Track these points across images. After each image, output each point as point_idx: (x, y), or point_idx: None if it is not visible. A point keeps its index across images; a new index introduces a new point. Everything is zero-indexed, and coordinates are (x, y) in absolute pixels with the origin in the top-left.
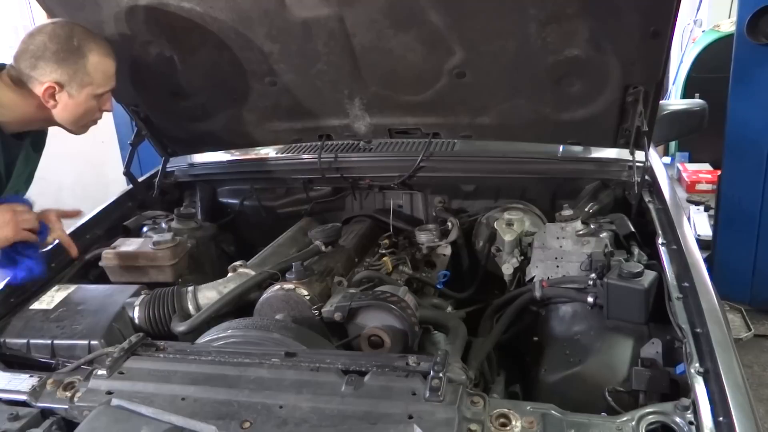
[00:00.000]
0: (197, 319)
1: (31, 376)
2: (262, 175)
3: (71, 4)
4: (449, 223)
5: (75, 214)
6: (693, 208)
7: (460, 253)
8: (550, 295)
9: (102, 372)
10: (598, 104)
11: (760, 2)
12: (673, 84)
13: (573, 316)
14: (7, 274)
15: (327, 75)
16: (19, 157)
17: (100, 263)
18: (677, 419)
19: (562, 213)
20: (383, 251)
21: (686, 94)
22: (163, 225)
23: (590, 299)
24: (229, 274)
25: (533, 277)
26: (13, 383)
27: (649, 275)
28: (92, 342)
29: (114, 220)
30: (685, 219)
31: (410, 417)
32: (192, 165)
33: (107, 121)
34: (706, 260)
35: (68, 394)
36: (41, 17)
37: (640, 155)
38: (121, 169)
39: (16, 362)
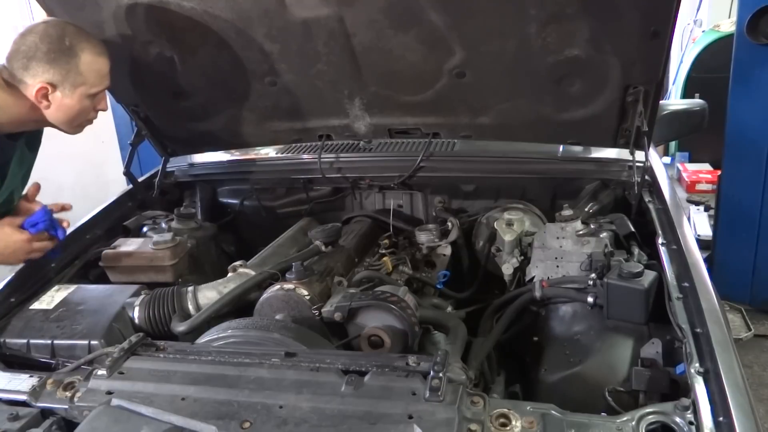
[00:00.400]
0: (197, 319)
1: (31, 376)
2: (262, 175)
3: (71, 4)
4: (449, 223)
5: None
6: (693, 208)
7: (460, 253)
8: (550, 295)
9: (102, 372)
10: (598, 104)
11: (760, 2)
12: (673, 84)
13: (573, 316)
14: (59, 235)
15: (327, 75)
16: (13, 157)
17: (100, 263)
18: (677, 419)
19: (562, 213)
20: (383, 251)
21: (686, 94)
22: (163, 225)
23: (590, 299)
24: (229, 274)
25: (533, 277)
26: (13, 383)
27: (649, 275)
28: (92, 342)
29: (114, 220)
30: (685, 219)
31: (410, 417)
32: (192, 165)
33: (107, 121)
34: (706, 260)
35: (68, 394)
36: (41, 17)
37: (640, 155)
38: (121, 169)
39: (16, 362)
